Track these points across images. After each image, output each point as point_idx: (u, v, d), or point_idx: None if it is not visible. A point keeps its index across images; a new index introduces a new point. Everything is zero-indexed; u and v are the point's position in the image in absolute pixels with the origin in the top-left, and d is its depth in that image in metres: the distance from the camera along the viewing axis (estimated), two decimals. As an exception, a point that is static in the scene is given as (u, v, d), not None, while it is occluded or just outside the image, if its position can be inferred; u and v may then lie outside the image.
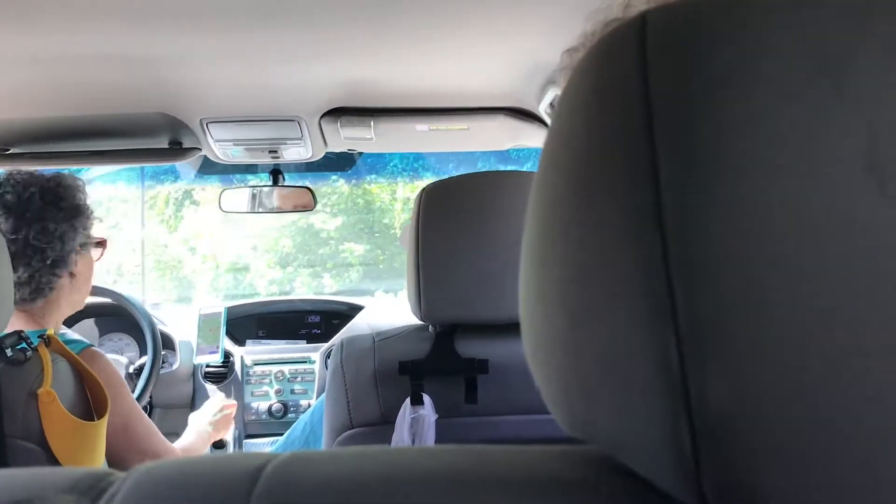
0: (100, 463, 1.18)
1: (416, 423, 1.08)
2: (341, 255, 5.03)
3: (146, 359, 2.07)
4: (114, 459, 1.28)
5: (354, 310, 2.55)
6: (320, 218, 5.14)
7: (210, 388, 2.32)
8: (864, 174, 0.26)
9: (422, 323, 1.17)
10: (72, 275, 1.40)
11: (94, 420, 1.17)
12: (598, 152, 0.31)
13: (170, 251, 5.04)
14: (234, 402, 1.85)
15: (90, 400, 1.20)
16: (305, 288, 4.96)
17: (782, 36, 0.27)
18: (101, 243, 1.51)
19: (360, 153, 2.06)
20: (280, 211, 2.18)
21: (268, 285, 4.89)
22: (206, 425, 1.69)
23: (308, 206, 2.15)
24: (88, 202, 1.45)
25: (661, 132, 0.28)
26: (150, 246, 5.07)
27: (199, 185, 2.24)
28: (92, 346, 1.37)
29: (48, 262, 1.35)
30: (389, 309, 2.58)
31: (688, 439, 0.27)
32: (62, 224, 1.37)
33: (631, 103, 0.29)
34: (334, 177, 2.24)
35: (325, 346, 2.43)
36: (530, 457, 0.37)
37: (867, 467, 0.26)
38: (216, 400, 1.80)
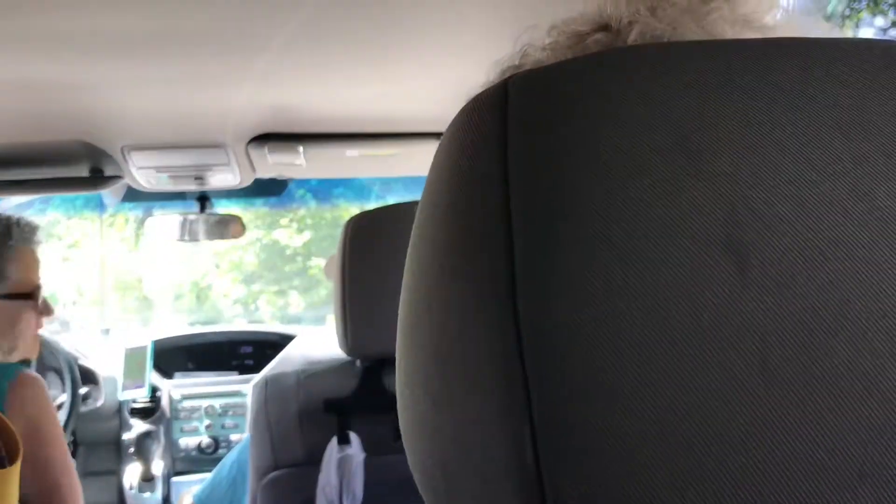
0: None
1: (344, 463, 1.04)
2: (309, 272, 4.96)
3: (65, 396, 1.99)
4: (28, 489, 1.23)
5: (287, 339, 2.49)
6: (286, 234, 5.07)
7: (136, 423, 2.24)
8: (722, 254, 0.25)
9: (349, 358, 1.14)
10: None
11: (4, 468, 1.11)
12: (457, 225, 0.29)
13: (130, 270, 4.91)
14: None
15: (11, 447, 1.14)
16: (271, 307, 4.88)
17: (637, 106, 0.26)
18: (23, 296, 1.39)
19: (291, 179, 2.03)
20: (209, 238, 2.12)
21: (232, 305, 4.81)
22: None
23: (237, 234, 2.10)
24: None
25: (516, 206, 0.27)
26: (110, 265, 4.93)
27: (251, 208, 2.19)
28: (26, 370, 1.30)
29: None
30: (323, 338, 2.53)
31: None
32: None
33: (490, 174, 0.28)
34: (261, 201, 2.19)
35: (257, 377, 2.37)
36: None
37: None
38: None
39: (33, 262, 1.41)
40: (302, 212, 4.64)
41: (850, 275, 0.25)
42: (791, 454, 0.24)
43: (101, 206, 2.10)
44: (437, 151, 0.33)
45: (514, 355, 0.26)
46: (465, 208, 0.29)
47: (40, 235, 1.43)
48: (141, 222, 2.08)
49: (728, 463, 0.24)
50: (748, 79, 0.27)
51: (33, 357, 1.46)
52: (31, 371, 1.31)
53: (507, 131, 0.28)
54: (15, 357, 1.39)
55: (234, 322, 2.71)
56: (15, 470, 1.12)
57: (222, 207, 2.28)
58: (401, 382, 0.34)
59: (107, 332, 2.88)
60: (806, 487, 0.24)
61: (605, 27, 0.41)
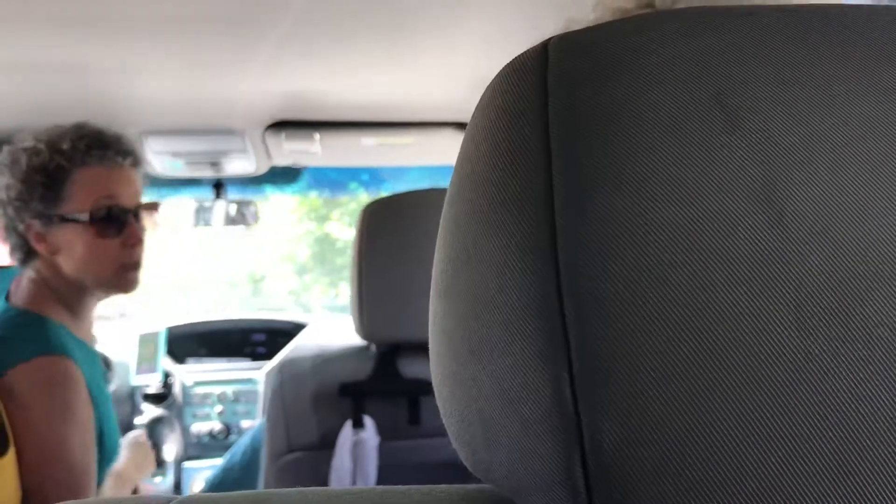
0: (8, 500, 1.10)
1: (358, 447, 1.04)
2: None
3: None
4: (32, 487, 1.15)
5: (299, 328, 2.50)
6: (337, 227, 5.14)
7: (148, 408, 2.25)
8: (758, 206, 0.26)
9: (364, 342, 1.14)
10: (51, 251, 1.25)
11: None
12: (497, 183, 0.30)
13: (181, 265, 4.94)
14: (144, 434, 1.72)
15: (9, 434, 1.11)
16: (322, 297, 4.94)
17: (677, 65, 0.27)
18: (103, 216, 1.25)
19: (305, 166, 2.03)
20: (225, 225, 2.13)
21: (286, 295, 4.85)
22: (122, 468, 1.57)
23: (253, 221, 2.11)
24: (52, 166, 1.24)
25: (557, 162, 0.28)
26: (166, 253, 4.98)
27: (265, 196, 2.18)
28: (50, 354, 1.18)
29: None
30: (335, 327, 2.54)
31: (582, 482, 0.27)
32: (12, 189, 1.24)
33: (531, 131, 0.29)
34: (281, 189, 2.19)
35: (269, 364, 2.38)
36: (431, 498, 0.37)
37: None
38: (127, 440, 1.69)
39: (92, 182, 1.26)
40: (353, 205, 4.69)
41: (886, 234, 0.25)
42: (822, 403, 0.25)
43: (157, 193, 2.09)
44: (475, 113, 0.33)
45: (555, 303, 0.27)
46: (506, 165, 0.30)
47: (112, 152, 1.27)
48: (196, 212, 2.07)
49: (761, 408, 0.25)
50: (784, 40, 0.27)
51: (125, 291, 1.31)
52: (61, 357, 1.19)
53: (548, 89, 0.29)
54: (102, 290, 1.29)
55: (246, 310, 2.71)
56: (4, 462, 1.08)
57: (274, 194, 2.29)
58: (436, 338, 0.35)
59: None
60: (838, 435, 0.25)
61: (650, 4, 0.42)
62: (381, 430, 1.07)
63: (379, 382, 1.09)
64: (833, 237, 0.25)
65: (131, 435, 1.68)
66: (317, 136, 1.68)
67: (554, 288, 0.27)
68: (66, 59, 1.28)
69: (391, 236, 1.08)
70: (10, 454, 1.09)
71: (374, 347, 1.14)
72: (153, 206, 1.36)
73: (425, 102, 1.60)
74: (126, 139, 1.31)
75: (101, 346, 2.23)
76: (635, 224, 0.26)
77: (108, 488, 1.35)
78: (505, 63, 0.47)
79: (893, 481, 0.25)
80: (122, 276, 1.30)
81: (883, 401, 0.25)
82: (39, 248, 1.26)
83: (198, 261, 4.97)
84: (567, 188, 0.27)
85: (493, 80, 0.32)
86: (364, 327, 1.07)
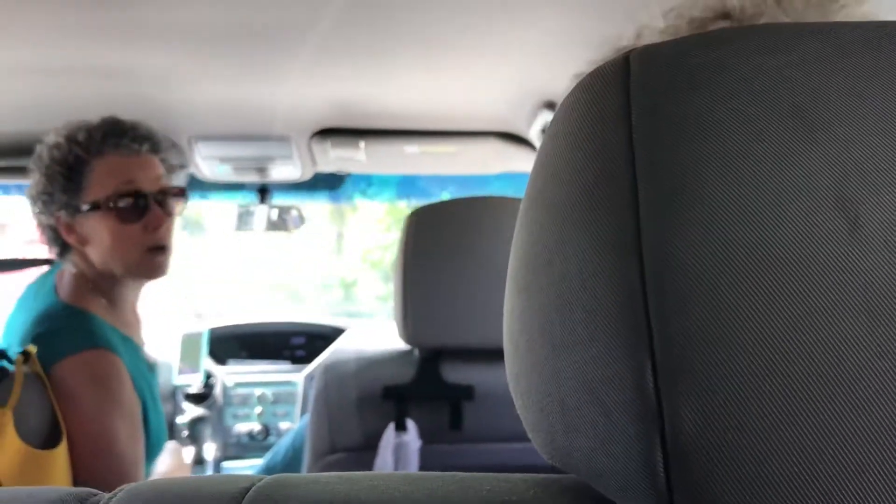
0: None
1: (400, 450, 1.06)
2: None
3: None
4: (83, 479, 1.18)
5: (338, 332, 2.52)
6: None
7: (190, 408, 2.29)
8: (834, 213, 0.27)
9: (407, 347, 1.16)
10: (81, 241, 1.29)
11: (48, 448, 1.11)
12: (581, 186, 0.32)
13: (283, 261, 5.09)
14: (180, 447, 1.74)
15: (62, 426, 1.15)
16: None
17: (757, 79, 0.29)
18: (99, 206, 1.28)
19: (349, 173, 2.05)
20: (268, 230, 2.16)
21: (374, 300, 4.95)
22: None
23: (297, 226, 2.14)
24: (78, 156, 1.27)
25: (641, 167, 0.29)
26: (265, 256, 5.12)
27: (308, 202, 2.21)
28: (94, 348, 1.21)
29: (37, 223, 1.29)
30: (374, 332, 2.56)
31: (661, 466, 0.29)
32: (39, 184, 1.28)
33: (614, 138, 0.30)
34: (322, 197, 2.22)
35: (308, 367, 2.40)
36: (510, 485, 0.38)
37: (831, 498, 0.27)
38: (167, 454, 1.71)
39: (110, 169, 1.28)
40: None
41: None
42: (892, 396, 0.26)
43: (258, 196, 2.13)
44: (554, 122, 0.35)
45: (639, 299, 0.29)
46: (591, 169, 0.31)
47: (128, 139, 1.30)
48: (239, 216, 2.10)
49: (835, 403, 0.26)
50: (861, 56, 0.29)
51: (153, 275, 1.34)
52: (105, 350, 1.22)
53: (630, 100, 0.30)
54: (131, 276, 1.32)
55: (286, 313, 2.73)
56: (59, 452, 1.11)
57: (364, 200, 2.32)
58: (513, 333, 0.37)
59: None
60: None
61: (726, 15, 0.43)
62: (423, 434, 1.08)
63: (422, 386, 1.10)
64: None
65: (168, 446, 1.71)
66: (362, 143, 1.71)
67: (639, 285, 0.29)
68: (115, 64, 1.31)
69: (436, 242, 1.10)
70: (63, 446, 1.13)
71: (417, 352, 1.15)
72: (177, 191, 1.37)
73: (469, 112, 1.61)
74: (142, 126, 1.34)
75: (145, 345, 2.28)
76: (716, 227, 0.28)
77: None
78: (549, 75, 0.48)
79: None
80: (149, 261, 1.31)
81: None
82: (70, 239, 1.29)
83: (296, 263, 5.11)
84: (651, 192, 0.29)
85: (573, 89, 0.34)
86: (408, 332, 1.09)
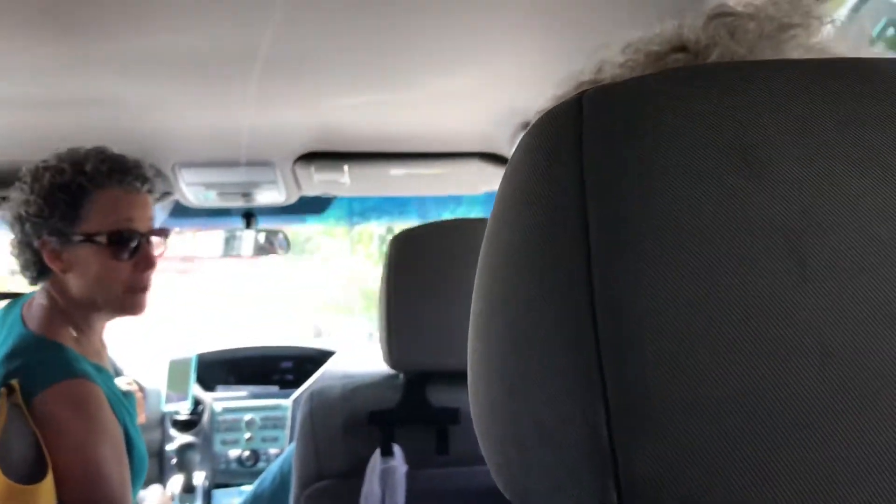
0: None
1: (387, 475, 1.05)
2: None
3: None
4: None
5: (326, 355, 2.51)
6: None
7: (178, 435, 2.27)
8: (784, 254, 0.27)
9: (393, 371, 1.16)
10: (63, 269, 1.28)
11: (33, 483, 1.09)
12: (534, 229, 0.32)
13: (374, 284, 5.24)
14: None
15: (47, 458, 1.13)
16: None
17: (706, 120, 0.29)
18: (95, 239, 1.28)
19: (335, 196, 2.06)
20: (255, 254, 2.16)
21: None
22: None
23: (282, 251, 2.14)
24: (79, 184, 1.28)
25: (592, 212, 0.30)
26: (357, 279, 5.30)
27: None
28: (72, 377, 1.21)
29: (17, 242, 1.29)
30: (362, 354, 2.55)
31: None
32: (32, 206, 1.27)
33: (566, 182, 0.31)
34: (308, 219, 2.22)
35: (297, 392, 2.39)
36: None
37: None
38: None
39: (112, 204, 1.29)
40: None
41: None
42: (846, 434, 0.26)
43: (349, 220, 2.13)
44: (511, 161, 0.35)
45: (590, 340, 0.29)
46: (543, 211, 0.31)
47: (132, 177, 1.31)
48: (383, 239, 2.11)
49: (787, 446, 0.26)
50: (807, 96, 0.29)
51: (133, 313, 1.34)
52: (83, 379, 1.22)
53: (583, 142, 0.31)
54: (109, 310, 1.32)
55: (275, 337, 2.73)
56: (42, 486, 1.10)
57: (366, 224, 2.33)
58: (475, 375, 0.37)
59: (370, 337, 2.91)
60: (861, 467, 0.26)
61: (682, 48, 0.43)
62: (410, 459, 1.08)
63: (408, 411, 1.10)
64: (852, 284, 0.27)
65: (153, 489, 1.71)
66: (346, 167, 1.71)
67: (591, 329, 0.29)
68: (98, 94, 1.32)
69: (419, 266, 1.10)
70: (48, 480, 1.12)
71: (402, 376, 1.15)
72: (164, 233, 1.39)
73: (452, 134, 1.62)
74: (144, 166, 1.35)
75: (131, 374, 2.27)
76: (667, 270, 0.28)
77: None
78: (529, 95, 0.49)
79: None
80: (131, 298, 1.33)
81: None
82: (53, 265, 1.29)
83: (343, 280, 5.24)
84: (602, 233, 0.29)
85: (529, 129, 0.34)
86: (392, 356, 1.09)
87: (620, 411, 0.28)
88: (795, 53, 0.41)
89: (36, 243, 1.29)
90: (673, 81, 0.31)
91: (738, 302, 0.27)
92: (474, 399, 0.37)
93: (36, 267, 1.31)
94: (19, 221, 1.29)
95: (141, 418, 1.47)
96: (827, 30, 0.42)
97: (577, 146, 0.31)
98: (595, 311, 0.29)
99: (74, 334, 1.31)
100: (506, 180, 0.35)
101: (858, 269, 0.27)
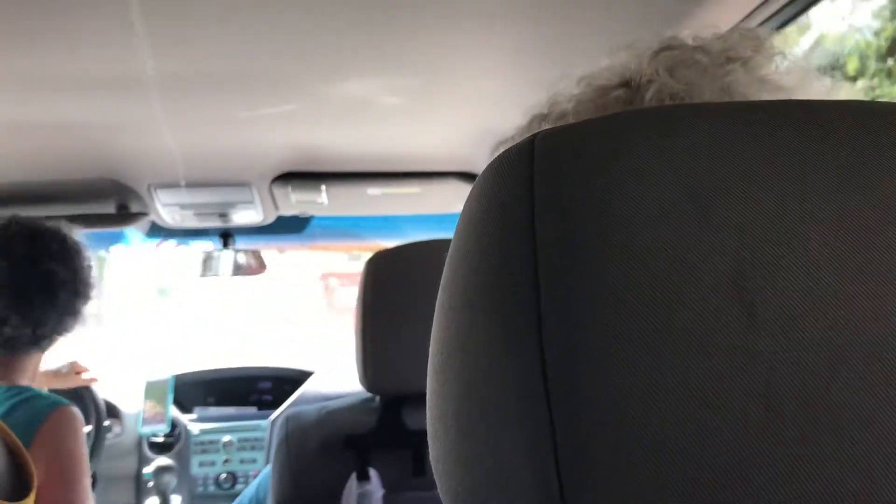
0: None
1: (363, 499, 1.04)
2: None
3: (89, 428, 2.00)
4: None
5: (305, 376, 2.50)
6: None
7: (155, 457, 2.24)
8: (732, 297, 0.27)
9: (369, 394, 1.15)
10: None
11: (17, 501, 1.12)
12: (486, 274, 0.31)
13: None
14: None
15: (28, 480, 1.15)
16: None
17: (653, 163, 0.29)
18: None
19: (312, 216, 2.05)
20: (232, 274, 2.15)
21: None
22: None
23: (259, 270, 2.13)
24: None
25: (542, 258, 0.29)
26: None
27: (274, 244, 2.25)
28: (64, 405, 1.30)
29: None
30: (340, 375, 2.54)
31: None
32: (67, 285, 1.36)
33: (518, 224, 0.30)
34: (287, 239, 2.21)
35: (275, 413, 2.38)
36: None
37: None
38: None
39: None
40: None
41: (849, 321, 0.27)
42: (792, 484, 0.26)
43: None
44: (468, 200, 0.35)
45: (540, 394, 0.28)
46: (494, 256, 0.31)
47: None
48: (204, 261, 2.11)
49: (736, 494, 0.26)
50: (753, 139, 0.29)
51: (59, 385, 1.46)
52: (71, 407, 1.31)
53: (534, 185, 0.30)
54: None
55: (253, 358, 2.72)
56: None
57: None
58: (432, 416, 0.36)
59: None
60: None
61: (626, 83, 0.43)
62: (386, 482, 1.07)
63: (384, 434, 1.09)
64: (799, 328, 0.27)
65: None
66: (323, 187, 1.71)
67: (540, 377, 0.28)
68: (71, 116, 1.31)
69: (395, 287, 1.09)
70: (30, 500, 1.12)
71: (378, 399, 1.14)
72: None
73: (430, 153, 1.62)
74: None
75: (108, 396, 2.25)
76: (618, 317, 0.28)
77: None
78: (507, 116, 0.48)
79: None
80: None
81: (848, 486, 0.26)
82: None
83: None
84: (551, 278, 0.29)
85: (483, 171, 0.34)
86: (368, 379, 1.08)
87: (570, 463, 0.28)
88: (735, 88, 0.41)
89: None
90: (619, 124, 0.31)
91: (689, 348, 0.27)
92: (433, 441, 0.37)
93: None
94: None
95: None
96: (779, 62, 0.42)
97: (528, 189, 0.30)
98: (545, 362, 0.28)
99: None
100: (462, 219, 0.35)
101: (804, 314, 0.27)
